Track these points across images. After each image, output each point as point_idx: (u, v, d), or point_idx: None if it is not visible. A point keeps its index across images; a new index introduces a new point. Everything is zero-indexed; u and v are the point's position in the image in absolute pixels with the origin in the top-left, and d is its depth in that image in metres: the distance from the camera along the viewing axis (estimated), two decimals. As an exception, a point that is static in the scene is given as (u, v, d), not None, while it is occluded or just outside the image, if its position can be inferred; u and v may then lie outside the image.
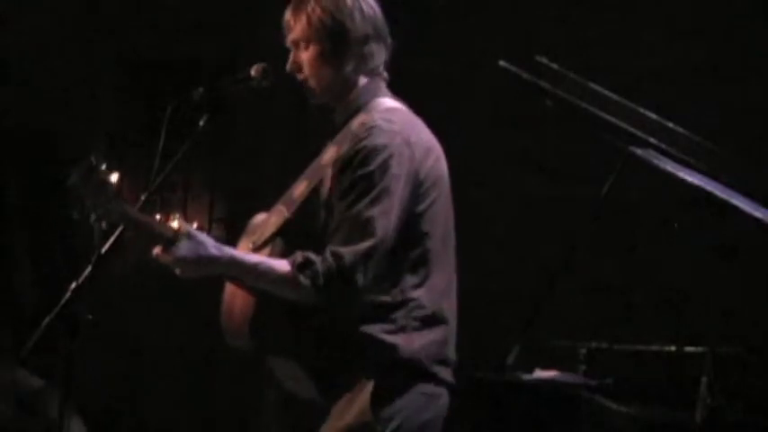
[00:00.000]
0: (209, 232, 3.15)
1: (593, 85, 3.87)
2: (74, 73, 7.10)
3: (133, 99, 7.21)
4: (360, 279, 2.92)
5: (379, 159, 2.97)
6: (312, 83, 3.15)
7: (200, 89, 3.19)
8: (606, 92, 3.87)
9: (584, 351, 3.92)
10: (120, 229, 3.00)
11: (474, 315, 5.70)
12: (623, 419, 3.60)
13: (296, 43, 3.15)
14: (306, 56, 3.13)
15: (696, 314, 5.22)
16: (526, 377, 3.86)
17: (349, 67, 3.12)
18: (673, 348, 3.78)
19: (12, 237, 7.08)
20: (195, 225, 3.03)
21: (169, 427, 6.68)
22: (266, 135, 6.69)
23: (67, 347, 3.00)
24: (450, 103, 6.04)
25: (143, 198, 3.09)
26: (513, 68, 3.87)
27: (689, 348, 3.71)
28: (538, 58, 3.88)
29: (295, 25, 3.13)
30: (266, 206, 3.28)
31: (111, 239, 3.02)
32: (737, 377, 3.67)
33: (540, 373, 3.90)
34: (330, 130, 3.19)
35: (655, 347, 3.86)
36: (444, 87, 6.07)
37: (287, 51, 3.20)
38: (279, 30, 3.20)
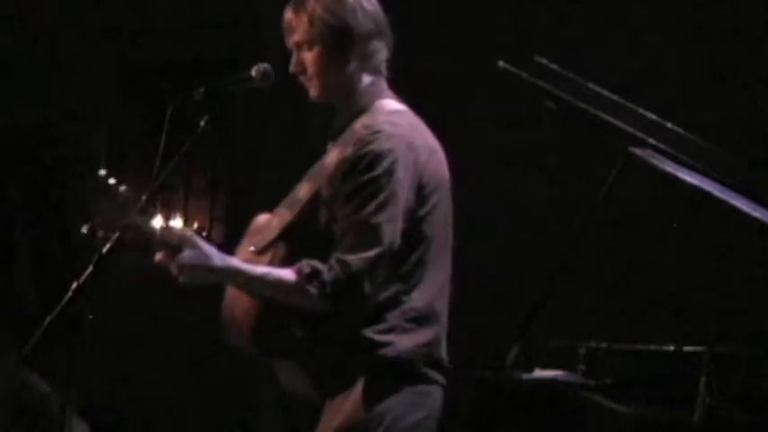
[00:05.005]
0: (209, 232, 3.15)
1: (593, 86, 3.87)
2: (75, 73, 7.10)
3: (134, 99, 7.21)
4: (367, 286, 2.93)
5: (384, 164, 2.96)
6: (316, 83, 3.13)
7: (201, 89, 3.18)
8: (606, 92, 3.87)
9: (583, 351, 3.92)
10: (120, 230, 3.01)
11: (474, 315, 5.74)
12: (623, 419, 3.60)
13: (298, 45, 3.12)
14: (310, 57, 3.10)
15: (696, 314, 5.23)
16: (526, 377, 3.86)
17: (353, 66, 3.10)
18: (672, 348, 3.78)
19: (13, 237, 7.07)
20: (195, 225, 3.04)
21: (169, 426, 6.68)
22: (266, 135, 6.69)
23: (68, 347, 3.00)
24: (450, 103, 6.04)
25: (144, 198, 3.09)
26: (513, 68, 3.87)
27: (688, 348, 3.71)
28: (538, 58, 3.88)
29: (297, 26, 3.10)
30: (266, 206, 3.27)
31: (112, 240, 3.02)
32: (737, 377, 3.67)
33: (540, 373, 3.90)
34: (332, 131, 3.19)
35: (654, 347, 3.86)
36: (444, 87, 6.06)
37: (288, 51, 3.19)
38: (279, 30, 3.19)
